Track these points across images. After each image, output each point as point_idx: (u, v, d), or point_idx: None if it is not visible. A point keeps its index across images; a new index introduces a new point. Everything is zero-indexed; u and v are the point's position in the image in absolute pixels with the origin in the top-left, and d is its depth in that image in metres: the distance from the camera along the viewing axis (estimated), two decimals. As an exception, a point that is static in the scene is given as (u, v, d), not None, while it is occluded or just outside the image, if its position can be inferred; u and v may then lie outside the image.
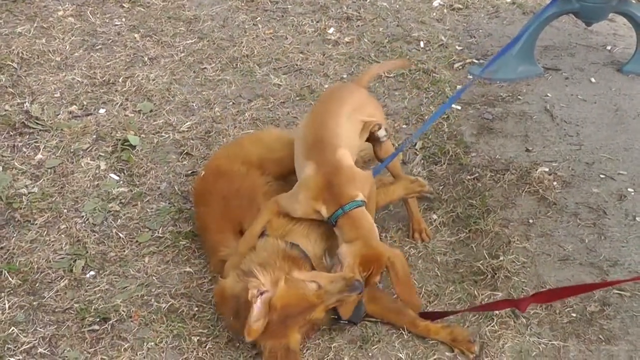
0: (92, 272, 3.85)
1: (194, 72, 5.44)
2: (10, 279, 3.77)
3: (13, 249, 3.95)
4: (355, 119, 3.78)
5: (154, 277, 3.83)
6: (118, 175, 4.46)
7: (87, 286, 3.77)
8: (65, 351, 3.45)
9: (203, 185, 3.95)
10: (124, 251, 3.98)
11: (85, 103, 5.05)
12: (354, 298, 3.31)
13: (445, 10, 6.32)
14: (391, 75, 5.40)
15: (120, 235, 4.07)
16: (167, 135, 4.79)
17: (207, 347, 3.48)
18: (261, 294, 3.20)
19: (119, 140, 4.69)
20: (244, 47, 5.72)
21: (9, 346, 3.46)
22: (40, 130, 4.77)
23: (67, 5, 6.15)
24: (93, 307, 3.64)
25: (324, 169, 3.51)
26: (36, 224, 4.11)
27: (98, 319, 3.59)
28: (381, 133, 3.87)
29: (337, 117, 3.73)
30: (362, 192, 3.51)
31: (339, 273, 3.32)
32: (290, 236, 3.54)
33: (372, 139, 3.92)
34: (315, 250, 3.53)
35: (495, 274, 3.80)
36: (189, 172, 4.49)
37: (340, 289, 3.24)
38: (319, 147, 3.60)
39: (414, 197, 4.03)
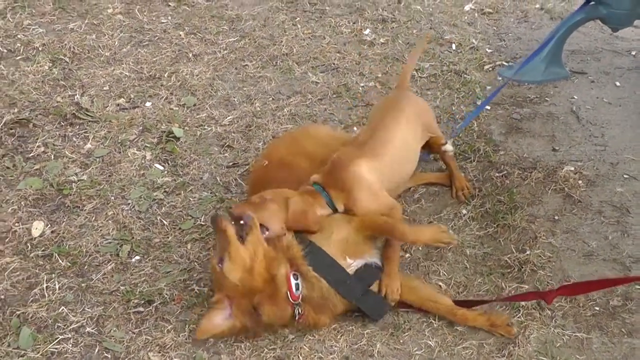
0: (137, 257, 3.98)
1: (236, 68, 5.56)
2: (60, 261, 3.91)
3: (63, 233, 4.08)
4: (414, 126, 3.93)
5: (195, 263, 3.93)
6: (163, 166, 4.59)
7: (133, 270, 3.89)
8: (112, 331, 3.57)
9: (263, 174, 3.97)
10: (168, 237, 4.09)
11: (132, 96, 5.19)
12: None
13: (476, 14, 6.46)
14: (424, 75, 5.51)
15: (164, 222, 4.18)
16: (209, 128, 4.91)
17: (247, 330, 3.59)
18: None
19: (164, 132, 4.82)
20: (283, 46, 5.84)
21: (59, 325, 3.59)
22: (89, 121, 4.90)
23: (116, 4, 6.33)
24: (138, 289, 3.77)
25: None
26: (85, 209, 4.23)
27: (143, 301, 3.71)
28: (448, 147, 4.08)
29: (396, 124, 3.85)
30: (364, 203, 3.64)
31: None
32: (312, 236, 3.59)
33: (435, 150, 4.16)
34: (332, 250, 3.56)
35: (522, 267, 3.88)
36: (230, 163, 4.61)
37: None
38: (360, 145, 3.76)
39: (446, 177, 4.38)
